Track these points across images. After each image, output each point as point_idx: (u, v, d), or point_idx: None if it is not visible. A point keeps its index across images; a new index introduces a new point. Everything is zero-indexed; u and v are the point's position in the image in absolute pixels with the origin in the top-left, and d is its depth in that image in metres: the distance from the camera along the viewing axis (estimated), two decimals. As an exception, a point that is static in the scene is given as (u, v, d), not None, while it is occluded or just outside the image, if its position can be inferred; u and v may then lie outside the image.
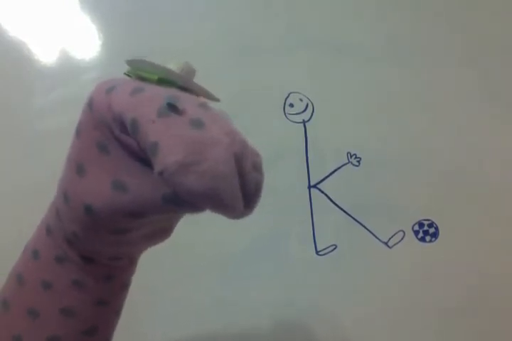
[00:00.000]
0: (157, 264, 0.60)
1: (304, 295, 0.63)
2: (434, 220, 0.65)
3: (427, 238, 0.65)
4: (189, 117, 0.22)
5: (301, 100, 0.65)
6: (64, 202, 0.27)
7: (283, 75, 0.66)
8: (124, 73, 0.27)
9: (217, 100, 0.29)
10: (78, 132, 0.26)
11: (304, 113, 0.65)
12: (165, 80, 0.26)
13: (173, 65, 0.26)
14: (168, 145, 0.22)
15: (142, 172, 0.24)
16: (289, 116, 0.65)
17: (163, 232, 0.30)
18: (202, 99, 0.25)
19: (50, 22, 0.63)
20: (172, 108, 0.23)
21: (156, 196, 0.24)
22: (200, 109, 0.23)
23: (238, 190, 0.22)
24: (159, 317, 0.60)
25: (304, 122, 0.65)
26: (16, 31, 0.63)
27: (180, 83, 0.26)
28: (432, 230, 0.65)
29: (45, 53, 0.63)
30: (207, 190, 0.21)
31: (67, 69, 0.62)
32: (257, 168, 0.24)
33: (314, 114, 0.65)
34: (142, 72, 0.26)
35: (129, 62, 0.27)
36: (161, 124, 0.22)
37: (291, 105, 0.65)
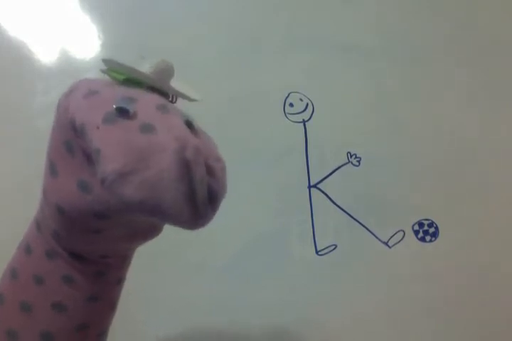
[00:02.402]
0: (156, 264, 0.60)
1: (303, 295, 0.63)
2: (434, 220, 0.65)
3: (427, 238, 0.65)
4: (139, 122, 0.22)
5: (301, 100, 0.65)
6: (44, 201, 0.27)
7: (283, 75, 0.66)
8: (100, 70, 0.27)
9: (194, 100, 0.28)
10: (52, 131, 0.27)
11: (304, 113, 0.65)
12: (132, 80, 0.25)
13: (146, 65, 0.26)
14: (109, 153, 0.21)
15: None
16: (289, 116, 0.65)
17: (149, 230, 0.30)
18: (162, 101, 0.24)
19: (50, 22, 0.63)
20: (122, 112, 0.22)
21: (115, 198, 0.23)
22: (155, 112, 0.22)
23: (183, 199, 0.21)
24: (158, 316, 0.60)
25: (303, 122, 0.65)
26: (16, 31, 0.63)
27: (149, 83, 0.25)
28: (431, 230, 0.65)
29: (45, 53, 0.63)
30: (145, 200, 0.20)
31: (67, 69, 0.62)
32: (214, 173, 0.22)
33: (314, 113, 0.65)
34: (111, 72, 0.26)
35: (105, 61, 0.27)
36: (104, 131, 0.21)
37: (291, 105, 0.65)
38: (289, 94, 0.65)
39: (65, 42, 0.63)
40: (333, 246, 0.64)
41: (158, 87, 0.26)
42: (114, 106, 0.22)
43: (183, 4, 0.66)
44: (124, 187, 0.20)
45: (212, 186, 0.22)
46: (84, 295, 0.30)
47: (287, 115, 0.65)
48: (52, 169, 0.26)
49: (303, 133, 0.65)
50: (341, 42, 0.67)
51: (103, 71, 0.27)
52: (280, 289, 0.62)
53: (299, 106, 0.65)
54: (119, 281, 0.32)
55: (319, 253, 0.64)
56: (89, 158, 0.24)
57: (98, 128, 0.22)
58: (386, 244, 0.65)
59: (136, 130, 0.21)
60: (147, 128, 0.21)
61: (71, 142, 0.25)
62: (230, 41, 0.66)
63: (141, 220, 0.28)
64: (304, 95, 0.65)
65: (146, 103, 0.23)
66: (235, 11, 0.66)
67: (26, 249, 0.30)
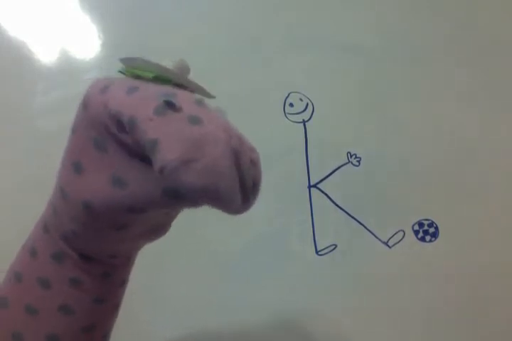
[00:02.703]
0: (157, 264, 0.60)
1: (303, 295, 0.63)
2: (434, 220, 0.65)
3: (427, 238, 0.65)
4: (186, 114, 0.23)
5: (301, 100, 0.65)
6: (62, 200, 0.27)
7: (283, 75, 0.66)
8: (119, 71, 0.27)
9: (213, 97, 0.29)
10: (74, 131, 0.27)
11: (304, 113, 0.65)
12: (160, 78, 0.26)
13: (167, 62, 0.26)
14: (167, 142, 0.22)
15: (141, 168, 0.24)
16: (289, 116, 0.65)
17: (160, 228, 0.30)
18: (198, 96, 0.25)
19: (50, 22, 0.63)
20: (169, 105, 0.23)
21: (157, 190, 0.24)
22: (196, 106, 0.23)
23: (237, 186, 0.22)
24: (159, 316, 0.60)
25: (303, 122, 0.65)
26: (16, 31, 0.63)
27: (176, 80, 0.26)
28: (431, 230, 0.65)
29: (45, 53, 0.63)
30: (207, 186, 0.21)
31: (67, 69, 0.62)
32: (255, 163, 0.24)
33: (314, 113, 0.65)
34: (137, 70, 0.26)
35: (123, 60, 0.27)
36: (158, 122, 0.22)
37: (291, 105, 0.65)
38: (289, 94, 0.65)
39: (65, 42, 0.63)
40: (333, 246, 0.64)
41: (184, 84, 0.27)
42: (163, 100, 0.23)
43: (183, 4, 0.66)
44: (187, 174, 0.21)
45: (254, 175, 0.24)
46: (91, 296, 0.30)
47: (287, 115, 0.65)
48: (78, 167, 0.26)
49: (303, 133, 0.65)
50: (341, 42, 0.67)
51: (122, 71, 0.27)
52: (280, 289, 0.62)
53: (299, 106, 0.65)
54: (123, 283, 0.32)
55: (319, 253, 0.64)
56: (130, 151, 0.24)
57: (151, 120, 0.22)
58: (386, 244, 0.65)
59: (185, 121, 0.22)
60: (195, 120, 0.22)
61: (102, 138, 0.25)
62: (230, 41, 0.66)
63: (156, 217, 0.28)
64: (304, 95, 0.65)
65: (185, 98, 0.24)
66: (235, 11, 0.66)
67: (31, 251, 0.30)
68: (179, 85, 0.26)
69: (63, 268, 0.29)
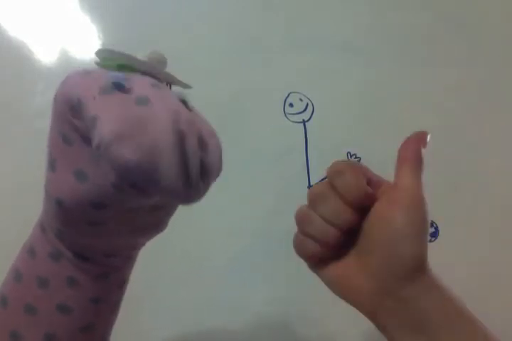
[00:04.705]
0: (157, 264, 0.60)
1: (303, 295, 0.63)
2: (434, 220, 0.65)
3: (427, 238, 0.65)
4: (135, 95, 0.22)
5: (301, 100, 0.65)
6: (45, 198, 0.27)
7: (283, 75, 0.66)
8: (95, 62, 0.27)
9: (188, 87, 0.29)
10: (50, 126, 0.27)
11: (304, 113, 0.65)
12: (124, 66, 0.26)
13: (140, 54, 0.26)
14: (107, 117, 0.21)
15: (96, 160, 0.23)
16: (289, 116, 0.65)
17: (152, 227, 0.29)
18: (155, 81, 0.24)
19: (50, 22, 0.63)
20: (118, 87, 0.22)
21: (107, 183, 0.23)
22: (150, 89, 0.23)
23: (176, 168, 0.21)
24: (159, 316, 0.60)
25: (303, 122, 0.65)
26: (16, 31, 0.63)
27: (143, 69, 0.26)
28: (431, 230, 0.65)
29: (45, 53, 0.63)
30: (143, 163, 0.20)
31: (67, 69, 0.62)
32: (209, 149, 0.23)
33: (314, 113, 0.65)
34: (105, 61, 0.26)
35: (98, 53, 0.27)
36: (101, 100, 0.22)
37: (291, 105, 0.65)
38: (289, 94, 0.65)
39: (65, 42, 0.63)
40: (333, 246, 0.64)
41: (152, 73, 0.26)
42: (111, 81, 0.22)
43: (183, 4, 0.66)
44: (122, 149, 0.20)
45: (205, 161, 0.23)
46: (89, 296, 0.29)
47: (287, 115, 0.65)
48: (51, 163, 0.26)
49: (303, 133, 0.65)
50: (341, 42, 0.67)
51: (97, 63, 0.27)
52: (280, 289, 0.62)
53: (299, 106, 0.65)
54: (122, 285, 0.32)
55: (319, 253, 0.63)
56: (85, 140, 0.24)
57: (95, 98, 0.22)
58: (386, 244, 0.65)
59: (132, 102, 0.22)
60: (142, 101, 0.22)
61: (66, 130, 0.25)
62: (230, 41, 0.66)
63: (141, 215, 0.28)
64: (304, 95, 0.65)
65: (140, 81, 0.23)
66: (235, 11, 0.67)
67: (30, 251, 0.30)
68: (149, 74, 0.26)
69: (60, 267, 0.29)
